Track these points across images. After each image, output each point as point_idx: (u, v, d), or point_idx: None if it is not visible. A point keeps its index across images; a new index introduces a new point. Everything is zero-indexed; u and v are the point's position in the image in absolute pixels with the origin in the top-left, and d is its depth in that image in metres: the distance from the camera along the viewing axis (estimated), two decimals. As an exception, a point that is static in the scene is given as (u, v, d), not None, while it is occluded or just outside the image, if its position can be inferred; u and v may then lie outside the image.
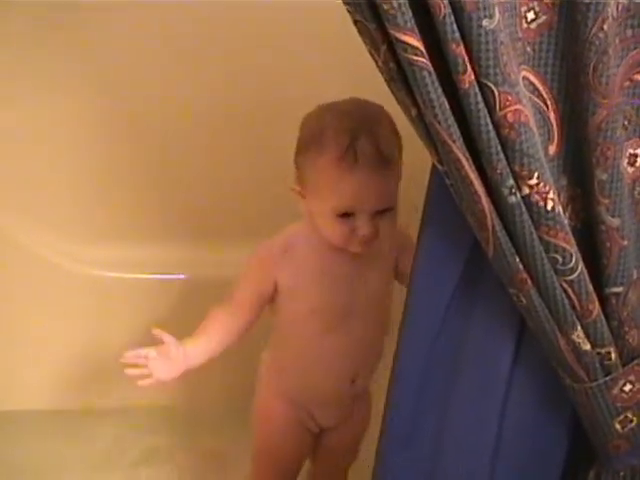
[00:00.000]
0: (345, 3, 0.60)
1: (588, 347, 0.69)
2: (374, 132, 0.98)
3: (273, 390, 1.22)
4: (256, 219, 1.16)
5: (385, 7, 0.56)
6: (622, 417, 0.72)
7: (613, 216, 0.66)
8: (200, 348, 1.09)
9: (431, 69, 0.58)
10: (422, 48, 0.58)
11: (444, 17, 0.57)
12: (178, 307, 1.24)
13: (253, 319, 1.12)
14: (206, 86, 1.44)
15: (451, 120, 0.60)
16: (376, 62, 0.62)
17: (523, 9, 0.62)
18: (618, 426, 0.73)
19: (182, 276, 1.52)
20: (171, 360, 1.05)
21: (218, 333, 1.10)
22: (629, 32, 0.64)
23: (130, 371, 1.03)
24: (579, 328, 0.68)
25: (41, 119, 1.45)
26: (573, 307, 0.67)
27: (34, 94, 1.42)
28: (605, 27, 0.60)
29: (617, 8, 0.62)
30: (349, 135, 0.97)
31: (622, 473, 0.77)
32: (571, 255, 0.65)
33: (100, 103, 1.45)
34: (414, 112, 0.62)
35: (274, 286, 1.10)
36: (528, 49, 0.63)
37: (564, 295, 0.67)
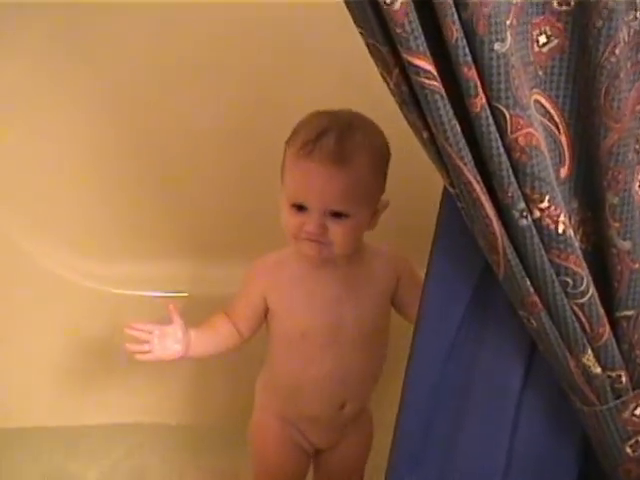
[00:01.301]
0: (358, 26, 0.60)
1: (599, 370, 0.69)
2: (344, 133, 0.98)
3: (267, 408, 1.21)
4: (260, 238, 1.16)
5: (398, 31, 0.57)
6: (633, 441, 0.72)
7: (624, 239, 0.66)
8: (203, 340, 1.09)
9: (443, 92, 0.59)
10: (434, 71, 0.58)
11: (456, 41, 0.57)
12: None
13: (249, 330, 1.13)
14: (208, 99, 1.44)
15: (462, 143, 0.60)
16: (388, 85, 0.63)
17: (535, 33, 0.62)
18: (629, 450, 0.72)
19: (186, 293, 1.53)
20: (175, 342, 1.05)
21: (221, 333, 1.12)
22: (641, 56, 0.64)
23: (130, 346, 1.03)
24: (589, 351, 0.68)
25: (47, 134, 1.44)
26: (584, 330, 0.67)
27: (39, 108, 1.42)
28: (617, 51, 0.60)
29: (629, 32, 0.62)
30: (318, 131, 0.98)
31: (633, 497, 0.76)
32: (582, 278, 0.65)
33: (107, 120, 1.44)
34: (426, 135, 0.63)
35: (265, 301, 1.11)
36: (540, 73, 0.63)
37: (575, 318, 0.66)
